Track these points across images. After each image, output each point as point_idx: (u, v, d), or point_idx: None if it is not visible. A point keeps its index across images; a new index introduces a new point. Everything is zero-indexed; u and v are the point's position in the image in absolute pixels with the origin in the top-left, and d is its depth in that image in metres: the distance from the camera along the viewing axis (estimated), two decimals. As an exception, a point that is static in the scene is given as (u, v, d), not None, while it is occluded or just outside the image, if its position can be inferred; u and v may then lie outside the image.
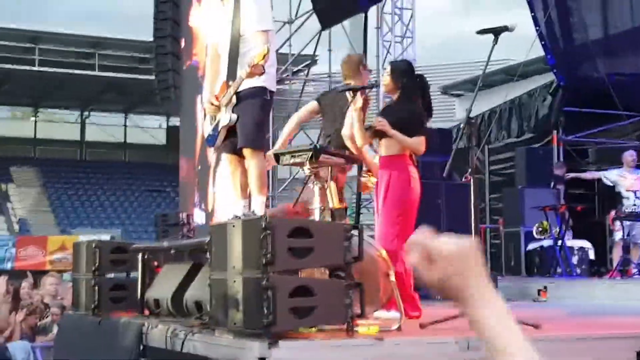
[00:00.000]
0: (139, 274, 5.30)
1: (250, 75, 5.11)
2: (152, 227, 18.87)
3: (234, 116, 5.25)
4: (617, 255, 9.88)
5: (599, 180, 10.95)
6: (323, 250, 3.61)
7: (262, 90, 5.25)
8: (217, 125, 5.43)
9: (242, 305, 3.55)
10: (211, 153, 12.91)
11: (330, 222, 4.81)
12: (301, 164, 5.01)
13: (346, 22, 16.05)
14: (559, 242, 10.04)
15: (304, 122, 6.72)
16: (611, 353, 3.89)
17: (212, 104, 5.44)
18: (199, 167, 15.44)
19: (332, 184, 5.61)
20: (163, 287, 4.89)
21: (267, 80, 5.27)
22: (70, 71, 31.48)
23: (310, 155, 4.83)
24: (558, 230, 10.18)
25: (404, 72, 5.56)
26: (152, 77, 18.74)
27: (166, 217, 12.33)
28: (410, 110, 5.43)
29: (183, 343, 4.02)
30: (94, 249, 5.47)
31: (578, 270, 10.09)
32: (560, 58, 13.04)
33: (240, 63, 5.26)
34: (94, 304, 5.39)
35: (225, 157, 5.57)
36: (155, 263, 5.49)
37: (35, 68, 31.07)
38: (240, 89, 5.22)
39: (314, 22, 14.95)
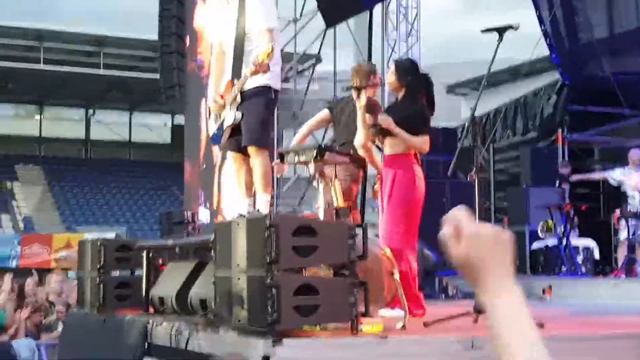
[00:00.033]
0: (143, 272, 5.31)
1: (255, 73, 5.11)
2: (157, 226, 18.90)
3: (239, 114, 5.26)
4: (622, 254, 9.86)
5: (605, 180, 10.93)
6: (327, 248, 3.61)
7: (267, 88, 5.25)
8: (222, 123, 5.44)
9: (246, 303, 3.56)
10: (216, 151, 12.93)
11: (334, 220, 4.81)
12: (306, 163, 5.02)
13: (351, 21, 16.05)
14: (564, 241, 10.03)
15: (315, 130, 6.71)
16: (615, 352, 3.89)
17: (217, 103, 5.46)
18: (204, 166, 15.46)
19: (337, 183, 5.61)
20: (168, 285, 4.90)
21: (272, 79, 5.27)
22: (75, 69, 31.52)
23: (314, 154, 4.84)
24: (563, 229, 10.17)
25: (408, 71, 5.56)
26: (157, 76, 18.77)
27: (171, 216, 12.32)
28: (415, 109, 5.42)
29: (187, 341, 4.03)
30: (99, 247, 5.48)
31: (583, 269, 10.08)
32: (566, 57, 13.03)
33: (245, 61, 5.27)
34: (99, 302, 5.40)
35: (230, 155, 5.58)
36: (160, 261, 5.50)
37: (40, 66, 31.12)
38: (245, 87, 5.23)
39: (318, 21, 14.95)
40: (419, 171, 5.40)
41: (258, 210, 4.94)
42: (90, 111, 38.81)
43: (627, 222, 9.71)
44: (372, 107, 5.57)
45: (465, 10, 66.06)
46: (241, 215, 3.85)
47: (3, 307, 8.37)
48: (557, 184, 11.68)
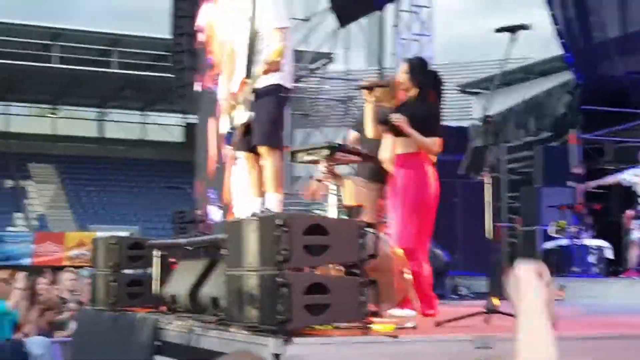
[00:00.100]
0: (155, 270, 5.34)
1: (267, 72, 5.12)
2: (169, 224, 18.95)
3: (251, 114, 5.26)
4: (633, 254, 9.83)
5: (618, 183, 10.88)
6: (338, 247, 3.62)
7: (278, 87, 5.25)
8: (233, 122, 5.44)
9: (257, 301, 3.57)
10: (227, 150, 12.92)
11: (345, 219, 4.81)
12: (317, 162, 5.02)
13: (363, 20, 16.05)
14: (576, 241, 10.00)
15: None
16: (627, 352, 3.88)
17: (229, 102, 5.47)
18: (216, 165, 15.47)
19: (348, 182, 5.62)
20: (179, 283, 4.93)
21: (283, 78, 5.28)
22: (89, 68, 31.65)
23: (326, 153, 4.84)
24: (575, 229, 10.14)
25: (420, 69, 5.53)
26: (170, 75, 18.81)
27: (183, 214, 12.36)
28: (427, 109, 5.40)
29: (199, 339, 4.04)
30: (111, 245, 5.51)
31: (595, 270, 10.04)
32: (579, 56, 12.98)
33: (256, 61, 5.28)
34: (111, 300, 5.43)
35: (242, 154, 5.59)
36: (172, 259, 5.53)
37: (55, 65, 31.26)
38: (257, 86, 5.23)
39: (331, 21, 14.97)
40: (431, 170, 5.38)
41: (269, 210, 4.95)
42: (104, 110, 38.96)
43: (638, 222, 9.68)
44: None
45: (477, 9, 65.89)
46: (253, 214, 3.86)
47: (16, 305, 8.42)
48: (571, 184, 11.65)
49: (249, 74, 5.30)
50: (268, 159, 5.22)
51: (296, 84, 15.00)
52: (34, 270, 13.98)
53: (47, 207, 33.55)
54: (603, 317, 5.94)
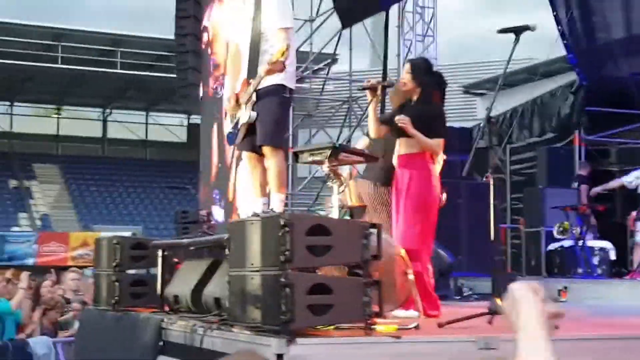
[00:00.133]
0: (158, 270, 5.33)
1: (270, 72, 5.12)
2: (172, 224, 18.97)
3: (254, 114, 5.26)
4: (637, 256, 9.81)
5: (623, 186, 10.87)
6: (341, 248, 3.61)
7: (281, 88, 5.25)
8: (237, 123, 5.45)
9: (260, 302, 3.57)
10: (231, 150, 12.96)
11: (348, 220, 4.81)
12: (320, 162, 5.02)
13: (367, 21, 16.04)
14: (580, 243, 9.99)
15: None
16: (630, 354, 3.87)
17: (232, 102, 5.47)
18: (219, 165, 15.50)
19: (351, 183, 5.62)
20: (182, 284, 4.92)
21: (287, 78, 5.28)
22: (93, 69, 31.69)
23: (329, 154, 4.84)
24: (579, 230, 10.12)
25: (423, 70, 5.52)
26: (173, 75, 18.84)
27: (186, 214, 12.36)
28: (431, 111, 5.39)
29: (202, 339, 4.04)
30: (114, 245, 5.51)
31: (599, 271, 10.03)
32: (583, 57, 12.96)
33: (260, 61, 5.27)
34: (114, 300, 5.43)
35: (245, 155, 5.59)
36: (175, 259, 5.53)
37: (58, 66, 31.30)
38: (260, 86, 5.23)
39: (334, 21, 14.95)
40: (434, 171, 5.37)
41: (272, 210, 4.95)
42: (107, 110, 39.01)
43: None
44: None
45: (481, 10, 65.87)
46: (255, 214, 3.86)
47: (20, 305, 8.42)
48: (576, 185, 11.63)
49: (252, 75, 5.31)
50: (271, 159, 5.22)
51: (299, 85, 15.02)
52: (38, 270, 14.00)
53: (50, 207, 33.60)
54: (606, 318, 5.93)
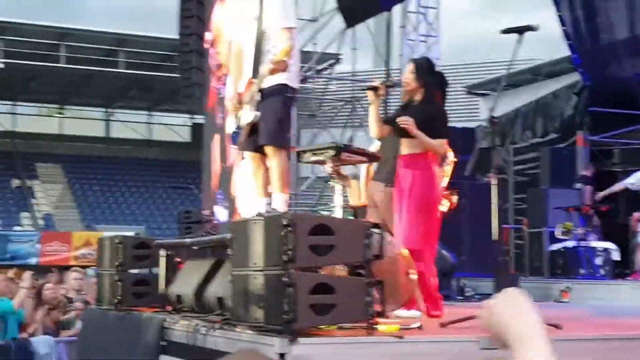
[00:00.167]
0: (161, 270, 5.34)
1: (274, 72, 5.12)
2: (175, 224, 18.98)
3: (258, 113, 5.25)
4: (639, 257, 9.80)
5: (627, 189, 10.84)
6: (344, 247, 3.62)
7: (285, 87, 5.25)
8: (240, 122, 5.44)
9: (263, 301, 3.57)
10: (233, 150, 12.93)
11: (351, 219, 4.81)
12: (323, 162, 5.02)
13: (370, 21, 16.05)
14: (582, 243, 9.98)
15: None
16: (631, 354, 3.87)
17: (235, 102, 5.47)
18: (222, 165, 15.49)
19: (354, 182, 5.62)
20: (185, 283, 4.93)
21: (290, 78, 5.27)
22: (96, 68, 31.70)
23: (332, 153, 4.84)
24: (582, 231, 10.11)
25: (427, 70, 5.52)
26: (177, 75, 18.83)
27: (189, 214, 12.36)
28: (434, 111, 5.39)
29: (204, 338, 4.04)
30: (117, 245, 5.51)
31: (602, 272, 10.01)
32: (586, 58, 12.95)
33: (264, 61, 5.27)
34: (117, 299, 5.43)
35: (248, 154, 5.58)
36: (178, 259, 5.53)
37: (61, 65, 31.32)
38: (263, 86, 5.23)
39: (338, 21, 14.96)
40: (437, 171, 5.37)
41: (275, 210, 4.95)
42: (111, 110, 39.03)
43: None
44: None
45: (484, 10, 65.84)
46: (258, 214, 3.86)
47: (22, 305, 8.43)
48: (580, 185, 11.61)
49: (255, 74, 5.30)
50: (274, 159, 5.21)
51: (303, 85, 15.01)
52: (40, 270, 14.02)
53: (53, 207, 33.62)
54: (608, 319, 5.92)
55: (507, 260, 10.13)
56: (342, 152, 4.92)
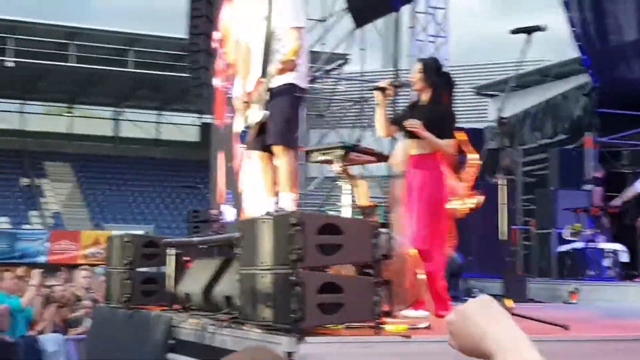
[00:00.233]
0: (169, 269, 5.35)
1: (282, 71, 5.13)
2: (184, 223, 19.02)
3: (267, 113, 5.26)
4: (647, 258, 9.78)
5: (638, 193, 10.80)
6: (352, 247, 3.62)
7: (293, 87, 5.25)
8: (248, 121, 5.45)
9: (271, 300, 3.58)
10: (241, 149, 12.94)
11: (359, 219, 4.82)
12: (331, 162, 5.03)
13: (379, 22, 16.03)
14: (591, 245, 9.95)
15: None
16: (637, 355, 3.86)
17: (243, 101, 5.48)
18: (230, 164, 15.50)
19: (362, 182, 5.62)
20: (193, 282, 4.94)
21: (298, 78, 5.28)
22: (105, 68, 31.77)
23: (340, 153, 4.85)
24: (590, 232, 10.09)
25: (434, 70, 5.52)
26: (186, 75, 18.87)
27: (197, 214, 12.40)
28: (442, 111, 5.39)
29: (212, 337, 4.06)
30: (126, 243, 5.53)
31: (610, 273, 9.99)
32: (596, 59, 12.92)
33: (272, 60, 5.28)
34: (125, 297, 5.45)
35: (256, 154, 5.60)
36: (186, 258, 5.55)
37: (71, 64, 31.40)
38: (272, 85, 5.23)
39: (346, 21, 14.96)
40: (446, 171, 5.37)
41: (283, 209, 4.96)
42: (120, 109, 39.10)
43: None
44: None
45: (494, 11, 65.73)
46: (267, 213, 3.87)
47: (30, 303, 8.46)
48: (587, 187, 11.58)
49: (264, 74, 5.31)
50: (282, 158, 5.22)
51: (311, 85, 15.01)
52: (49, 268, 14.07)
53: (62, 206, 33.70)
54: (616, 320, 5.91)
55: (515, 261, 10.11)
56: (350, 151, 4.92)
